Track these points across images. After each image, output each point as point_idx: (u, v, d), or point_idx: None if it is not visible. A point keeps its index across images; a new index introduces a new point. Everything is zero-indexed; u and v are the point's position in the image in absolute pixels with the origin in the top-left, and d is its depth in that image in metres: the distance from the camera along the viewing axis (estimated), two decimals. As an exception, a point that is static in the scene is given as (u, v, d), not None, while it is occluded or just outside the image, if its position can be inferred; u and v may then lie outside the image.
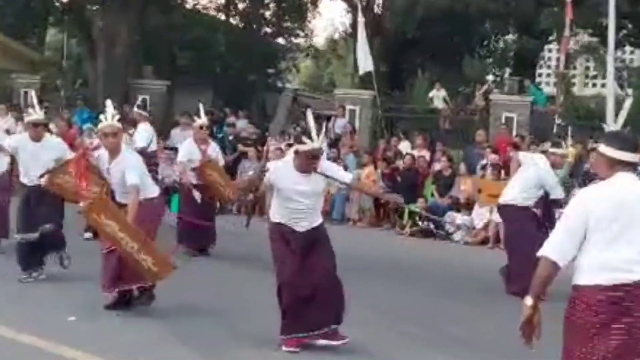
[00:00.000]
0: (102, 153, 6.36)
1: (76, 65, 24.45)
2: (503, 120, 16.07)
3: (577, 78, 35.91)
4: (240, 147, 14.59)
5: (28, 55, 23.19)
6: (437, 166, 13.23)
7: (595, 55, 20.41)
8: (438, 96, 18.64)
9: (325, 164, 5.60)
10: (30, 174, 7.19)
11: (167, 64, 21.87)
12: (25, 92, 19.39)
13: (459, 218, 11.96)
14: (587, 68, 32.48)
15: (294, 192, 5.41)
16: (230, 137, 15.01)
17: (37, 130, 7.28)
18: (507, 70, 23.02)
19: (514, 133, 15.21)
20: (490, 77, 23.37)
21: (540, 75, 36.52)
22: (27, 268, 7.22)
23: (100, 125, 6.29)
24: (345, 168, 13.96)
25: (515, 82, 17.95)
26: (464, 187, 12.53)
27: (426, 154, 13.86)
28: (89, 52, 20.52)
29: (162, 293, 6.35)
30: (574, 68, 32.82)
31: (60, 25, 25.35)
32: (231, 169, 14.41)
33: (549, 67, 33.12)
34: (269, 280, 6.91)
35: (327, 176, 5.49)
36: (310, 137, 5.34)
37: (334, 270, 5.48)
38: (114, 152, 6.25)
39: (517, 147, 12.38)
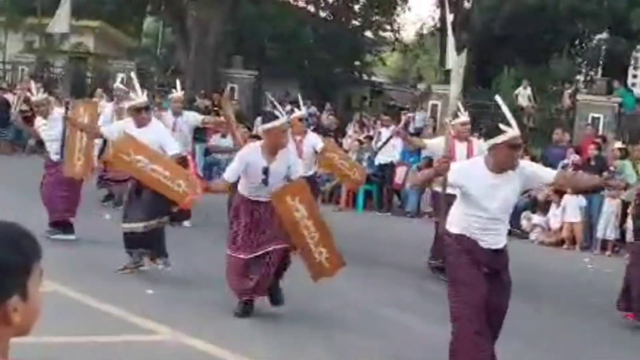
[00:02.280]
0: (254, 151, 5.84)
1: (170, 53, 25.38)
2: (589, 121, 15.82)
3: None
4: (321, 138, 14.88)
5: (125, 42, 24.27)
6: (515, 164, 13.15)
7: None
8: (523, 94, 18.41)
9: (521, 163, 4.71)
10: None
11: (256, 55, 22.40)
12: (122, 78, 20.40)
13: (536, 218, 11.89)
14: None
15: (486, 196, 4.49)
16: (311, 127, 15.31)
17: (141, 115, 6.83)
18: (598, 71, 22.47)
19: (600, 134, 14.94)
20: (580, 77, 22.88)
21: (635, 76, 35.28)
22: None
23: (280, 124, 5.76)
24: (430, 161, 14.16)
25: (604, 83, 17.56)
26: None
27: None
28: (182, 41, 21.27)
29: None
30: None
31: (157, 14, 26.34)
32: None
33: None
34: (357, 277, 7.06)
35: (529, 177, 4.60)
36: (508, 124, 4.45)
37: (506, 309, 4.71)
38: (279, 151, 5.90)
39: (599, 148, 12.21)
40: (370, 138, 14.74)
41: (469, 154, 7.72)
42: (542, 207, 12.08)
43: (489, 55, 21.70)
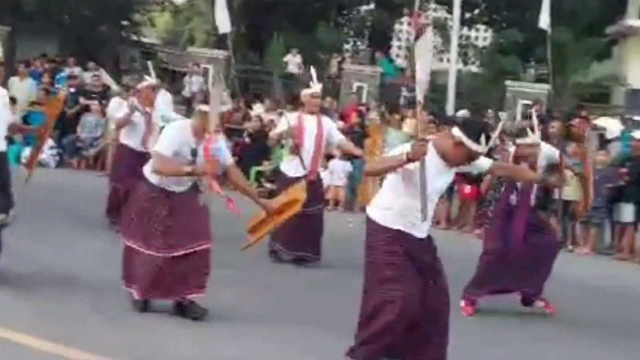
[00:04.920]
0: None
1: None
2: (354, 89, 16.52)
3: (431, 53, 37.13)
4: (82, 100, 13.97)
5: None
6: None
7: (443, 32, 21.25)
8: (293, 61, 18.69)
9: None
10: None
11: (9, 9, 20.48)
12: None
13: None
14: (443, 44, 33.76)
15: (432, 181, 4.15)
16: (72, 90, 14.29)
17: None
18: (364, 41, 23.53)
19: (363, 102, 15.64)
20: (347, 47, 23.79)
21: (399, 47, 37.47)
22: None
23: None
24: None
25: (368, 53, 18.40)
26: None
27: (275, 117, 13.91)
28: None
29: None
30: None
31: None
32: (72, 124, 13.79)
33: (407, 40, 34.25)
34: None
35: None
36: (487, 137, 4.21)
37: (448, 297, 4.41)
38: None
39: (361, 116, 12.72)
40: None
41: (319, 129, 7.35)
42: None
43: (260, 20, 21.77)
